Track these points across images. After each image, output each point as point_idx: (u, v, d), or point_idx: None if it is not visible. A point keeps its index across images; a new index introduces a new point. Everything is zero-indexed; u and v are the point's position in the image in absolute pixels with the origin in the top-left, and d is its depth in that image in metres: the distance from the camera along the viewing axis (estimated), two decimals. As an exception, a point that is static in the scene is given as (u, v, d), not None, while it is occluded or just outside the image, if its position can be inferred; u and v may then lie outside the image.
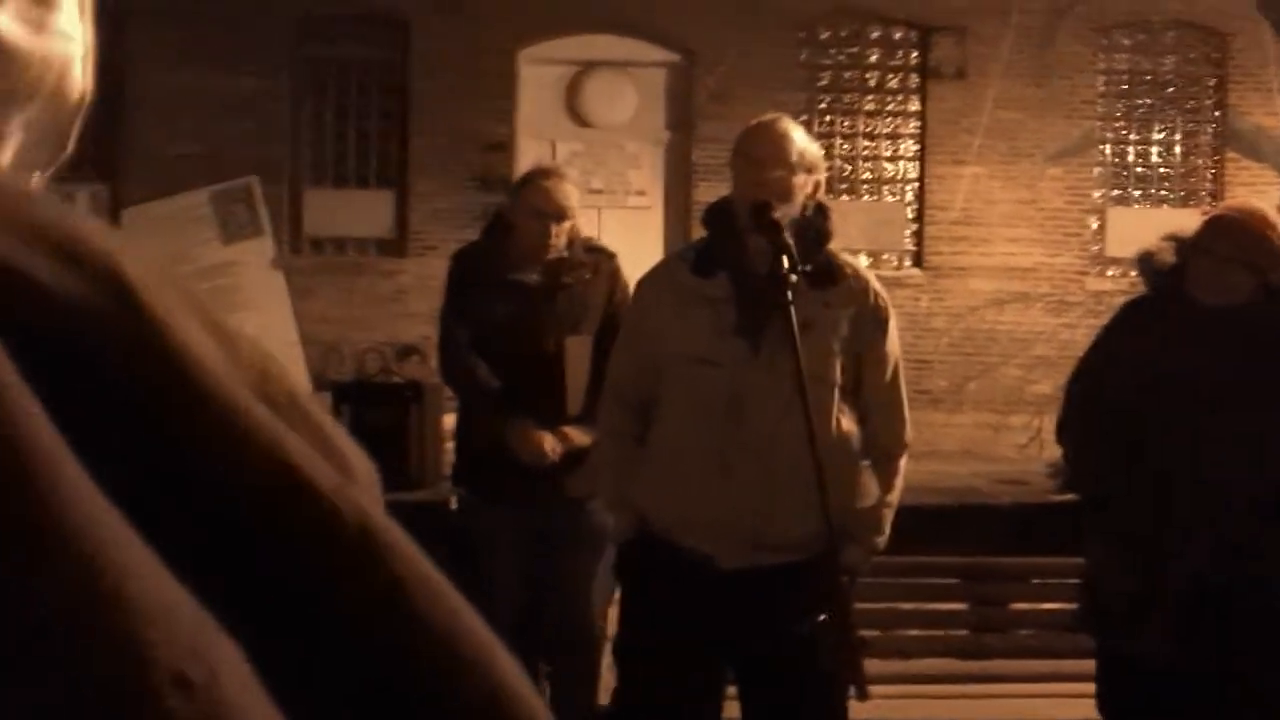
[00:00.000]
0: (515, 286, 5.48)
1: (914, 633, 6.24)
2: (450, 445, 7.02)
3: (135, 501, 0.52)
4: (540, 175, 5.64)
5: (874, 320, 4.30)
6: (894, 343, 4.37)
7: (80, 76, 0.72)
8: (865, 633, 5.94)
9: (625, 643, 4.52)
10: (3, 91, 0.68)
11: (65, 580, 0.49)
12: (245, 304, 14.04)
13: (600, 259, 5.62)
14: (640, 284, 4.62)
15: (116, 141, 13.84)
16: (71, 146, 0.74)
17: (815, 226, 4.25)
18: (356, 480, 0.62)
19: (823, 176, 4.34)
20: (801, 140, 4.27)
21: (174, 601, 0.52)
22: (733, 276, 4.21)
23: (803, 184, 4.21)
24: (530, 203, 5.50)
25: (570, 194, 5.53)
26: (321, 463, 0.58)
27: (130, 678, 0.50)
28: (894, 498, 4.37)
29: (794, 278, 3.92)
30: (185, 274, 13.69)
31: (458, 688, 0.58)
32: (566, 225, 5.50)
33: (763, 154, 4.20)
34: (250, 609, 0.54)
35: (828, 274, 4.24)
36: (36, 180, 0.71)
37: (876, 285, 4.37)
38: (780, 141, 4.21)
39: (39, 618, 0.49)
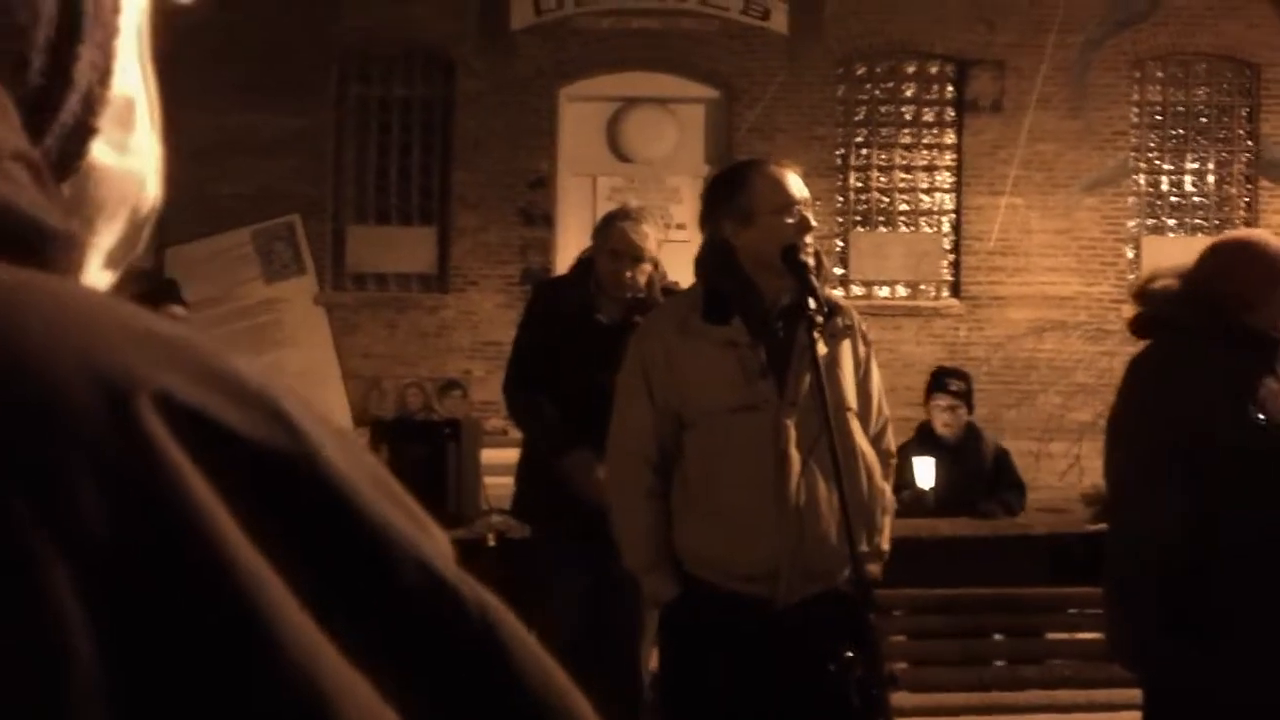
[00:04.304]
0: (590, 324, 5.54)
1: (951, 666, 6.26)
2: (488, 481, 7.09)
3: (318, 618, 0.58)
4: (619, 217, 5.69)
5: (865, 343, 4.47)
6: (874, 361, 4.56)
7: (153, 187, 0.80)
8: (901, 666, 6.00)
9: (676, 696, 4.47)
10: (95, 208, 0.75)
11: (294, 708, 0.55)
12: (287, 341, 14.14)
13: None
14: (645, 336, 4.53)
15: (160, 181, 13.91)
16: (142, 246, 0.80)
17: (820, 264, 4.34)
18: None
19: None
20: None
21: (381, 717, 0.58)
22: (747, 319, 4.27)
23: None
24: (608, 243, 5.59)
25: (647, 235, 5.58)
26: (446, 549, 0.64)
27: None
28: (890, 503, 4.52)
29: (820, 318, 4.03)
30: (227, 313, 13.84)
31: None
32: (645, 267, 5.57)
33: (789, 198, 4.26)
34: (406, 705, 0.59)
35: (830, 307, 4.33)
36: (110, 277, 0.78)
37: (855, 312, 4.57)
38: (797, 184, 4.30)
39: None
